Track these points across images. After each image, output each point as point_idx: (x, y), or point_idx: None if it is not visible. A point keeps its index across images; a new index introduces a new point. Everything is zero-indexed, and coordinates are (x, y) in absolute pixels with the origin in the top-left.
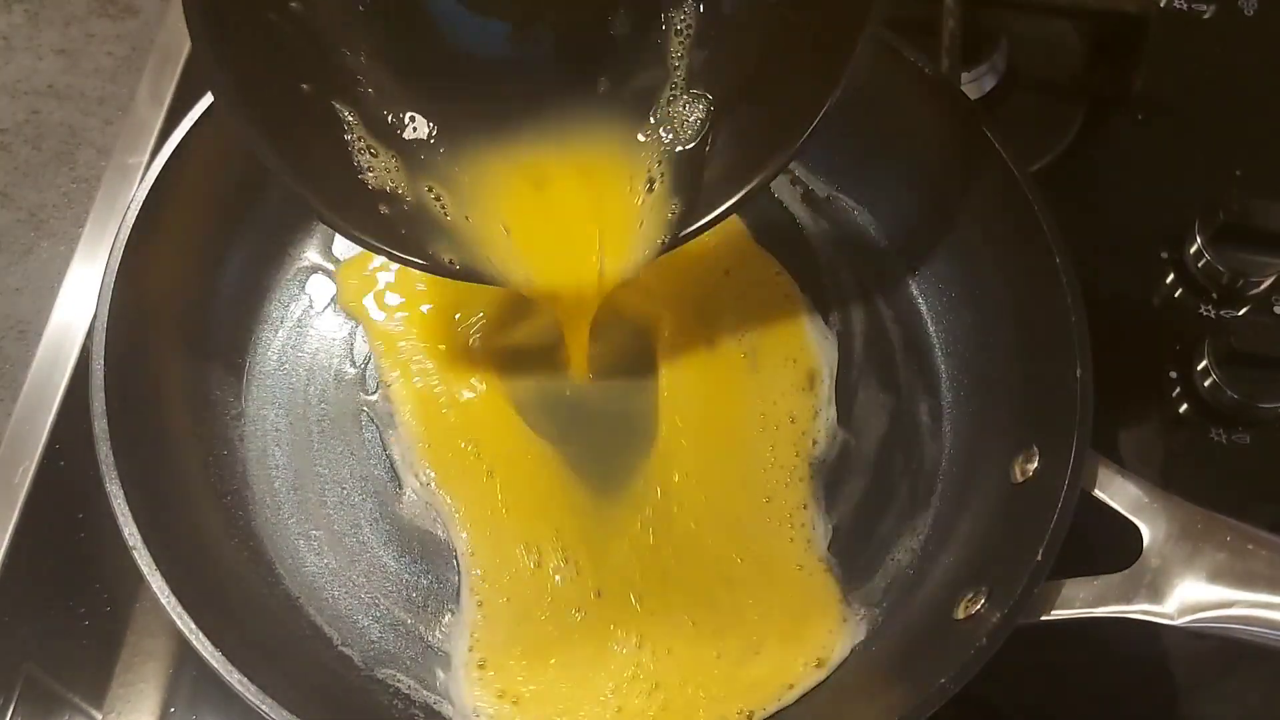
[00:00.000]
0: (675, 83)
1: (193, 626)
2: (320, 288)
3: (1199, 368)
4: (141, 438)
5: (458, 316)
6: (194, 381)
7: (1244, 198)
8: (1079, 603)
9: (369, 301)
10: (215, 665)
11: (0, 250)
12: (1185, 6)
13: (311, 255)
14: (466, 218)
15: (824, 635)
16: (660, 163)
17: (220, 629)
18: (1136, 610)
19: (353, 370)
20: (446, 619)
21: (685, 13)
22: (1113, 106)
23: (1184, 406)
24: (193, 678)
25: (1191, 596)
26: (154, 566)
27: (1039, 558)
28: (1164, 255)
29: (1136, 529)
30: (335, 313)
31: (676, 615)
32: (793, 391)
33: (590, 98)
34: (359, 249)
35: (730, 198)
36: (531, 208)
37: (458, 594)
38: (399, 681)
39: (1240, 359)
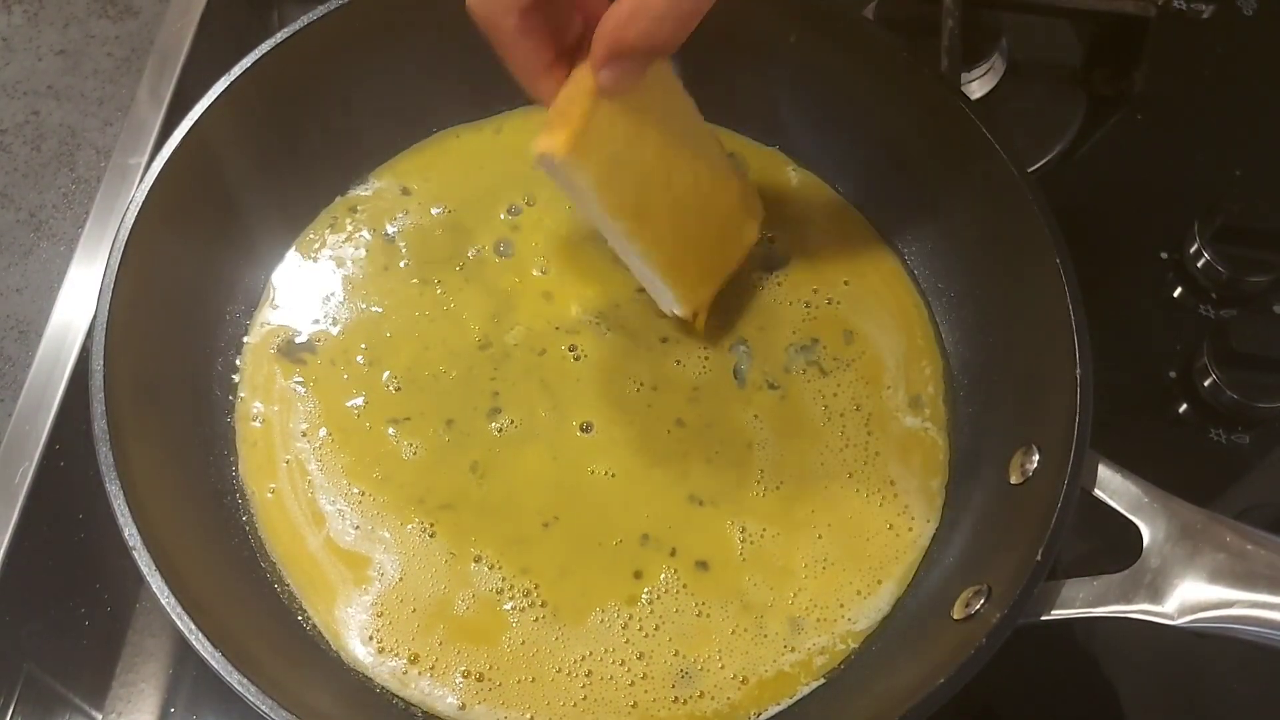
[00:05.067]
0: None
1: (193, 626)
2: None
3: (1199, 368)
4: (141, 438)
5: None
6: (194, 381)
7: (1244, 198)
8: (1079, 603)
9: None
10: (215, 665)
11: (0, 250)
12: (1185, 6)
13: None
14: None
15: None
16: None
17: (220, 629)
18: (1136, 610)
19: None
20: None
21: None
22: (1113, 106)
23: (1184, 406)
24: (193, 678)
25: (1191, 596)
26: (154, 566)
27: (1039, 558)
28: (1164, 255)
29: (1136, 529)
30: None
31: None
32: None
33: None
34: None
35: None
36: None
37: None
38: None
39: (1240, 359)
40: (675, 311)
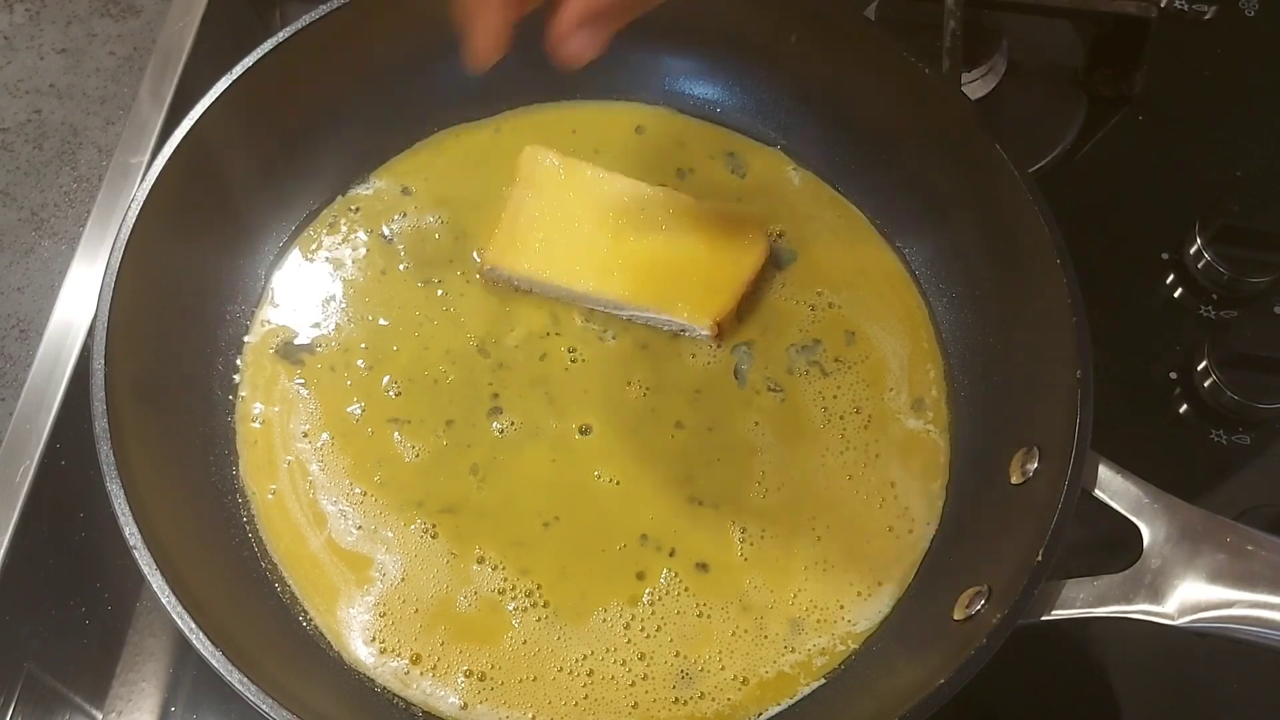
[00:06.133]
0: None
1: (193, 626)
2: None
3: (1199, 368)
4: (142, 437)
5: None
6: (195, 380)
7: (1244, 198)
8: (1079, 603)
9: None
10: (215, 665)
11: (2, 250)
12: (1186, 7)
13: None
14: None
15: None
16: None
17: (220, 629)
18: (1136, 610)
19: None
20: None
21: None
22: (1113, 106)
23: (1184, 407)
24: (193, 678)
25: (1191, 596)
26: (154, 566)
27: (1039, 558)
28: (1164, 255)
29: (1136, 529)
30: None
31: None
32: None
33: None
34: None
35: None
36: None
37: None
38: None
39: (1240, 360)
40: (699, 332)
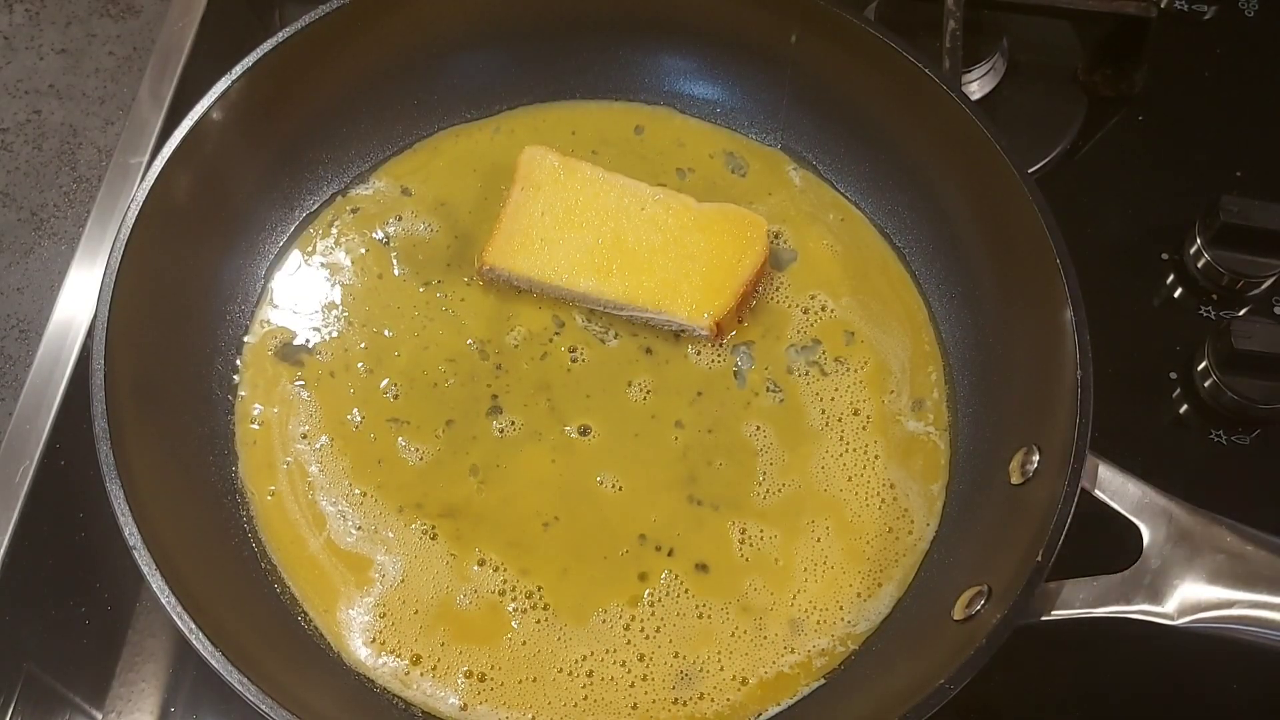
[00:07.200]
0: None
1: (193, 626)
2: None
3: (1199, 368)
4: (141, 437)
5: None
6: (194, 380)
7: (1244, 198)
8: (1079, 603)
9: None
10: (215, 665)
11: (1, 250)
12: (1186, 7)
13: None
14: None
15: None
16: None
17: (220, 629)
18: (1136, 610)
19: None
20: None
21: None
22: (1113, 106)
23: (1184, 407)
24: (193, 678)
25: (1191, 597)
26: (154, 566)
27: (1039, 558)
28: (1164, 256)
29: (1136, 529)
30: None
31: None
32: None
33: None
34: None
35: None
36: None
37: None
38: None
39: (1240, 360)
40: (699, 331)
